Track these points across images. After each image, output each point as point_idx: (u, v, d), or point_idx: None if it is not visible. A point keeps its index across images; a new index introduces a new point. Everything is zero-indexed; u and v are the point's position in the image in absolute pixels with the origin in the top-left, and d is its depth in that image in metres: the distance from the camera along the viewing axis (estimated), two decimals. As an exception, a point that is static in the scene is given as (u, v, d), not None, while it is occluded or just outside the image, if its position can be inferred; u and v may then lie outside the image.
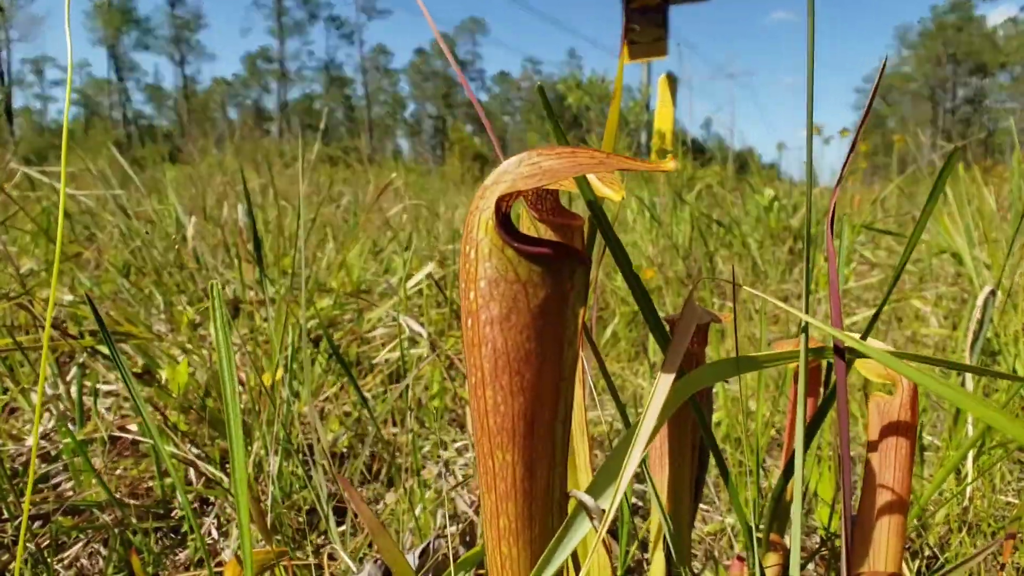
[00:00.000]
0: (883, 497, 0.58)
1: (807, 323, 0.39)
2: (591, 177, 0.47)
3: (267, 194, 5.20)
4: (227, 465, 1.25)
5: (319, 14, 69.47)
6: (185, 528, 1.14)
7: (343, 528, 1.18)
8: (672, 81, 10.13)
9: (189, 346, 1.88)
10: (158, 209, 2.89)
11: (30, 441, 1.47)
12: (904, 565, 0.89)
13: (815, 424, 0.59)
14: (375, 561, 0.66)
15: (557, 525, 0.39)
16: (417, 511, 1.01)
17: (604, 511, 0.37)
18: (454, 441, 1.25)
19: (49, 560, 0.96)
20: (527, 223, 0.56)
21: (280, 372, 1.45)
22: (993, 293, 1.22)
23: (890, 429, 0.59)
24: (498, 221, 0.34)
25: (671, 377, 0.39)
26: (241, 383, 1.52)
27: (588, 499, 0.37)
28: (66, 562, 1.07)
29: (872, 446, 0.60)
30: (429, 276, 1.95)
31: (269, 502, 1.01)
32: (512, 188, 0.33)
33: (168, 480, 1.23)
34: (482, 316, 0.35)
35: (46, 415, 1.56)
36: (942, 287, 2.45)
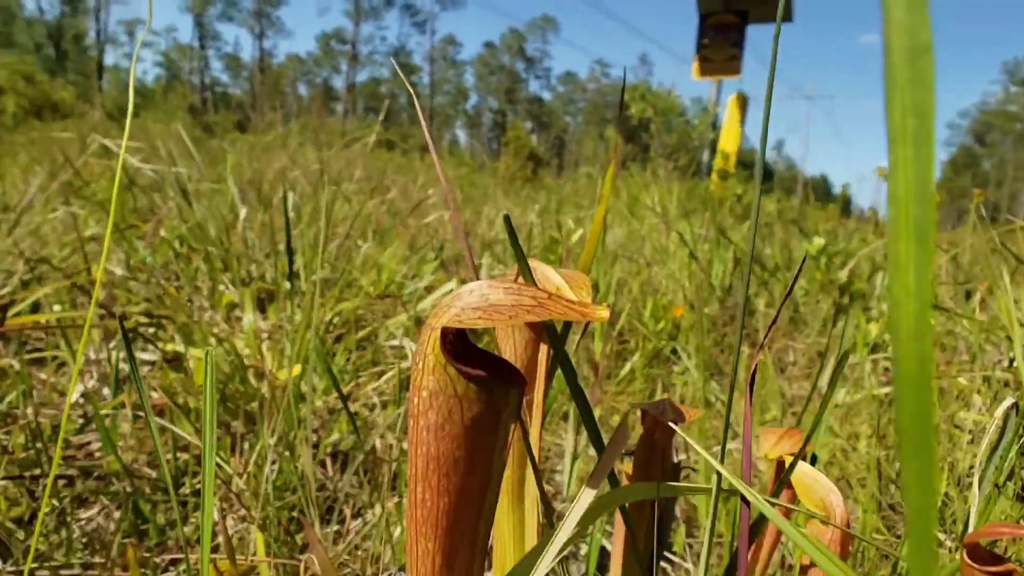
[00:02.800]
0: None
1: (719, 473, 0.42)
2: (556, 278, 0.51)
3: (321, 177, 5.34)
4: (234, 451, 1.33)
5: (395, 0, 70.38)
6: (191, 504, 1.22)
7: (337, 529, 1.25)
8: (743, 101, 9.99)
9: (225, 328, 1.99)
10: (215, 188, 3.02)
11: (74, 398, 1.58)
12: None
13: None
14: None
15: (474, 610, 0.44)
16: (396, 533, 1.07)
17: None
18: None
19: (69, 519, 1.05)
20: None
21: (298, 368, 1.53)
22: (1016, 407, 1.10)
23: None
24: (443, 342, 0.39)
25: (592, 493, 0.44)
26: (262, 374, 1.60)
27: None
28: (83, 521, 1.16)
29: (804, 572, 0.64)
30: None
31: (260, 502, 1.08)
32: (454, 322, 0.38)
33: (182, 457, 1.32)
34: (421, 421, 0.40)
35: (90, 383, 1.67)
36: (996, 370, 2.40)
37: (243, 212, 2.78)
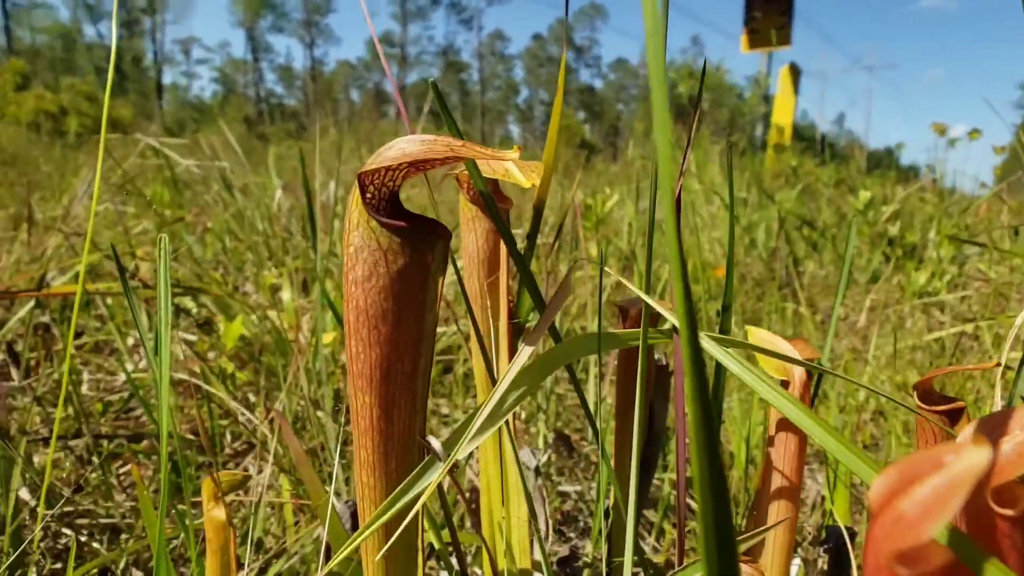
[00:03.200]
0: (776, 485, 0.60)
1: (644, 300, 0.42)
2: (509, 166, 0.52)
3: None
4: (269, 414, 1.38)
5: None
6: (230, 465, 1.27)
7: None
8: (795, 73, 9.69)
9: (262, 302, 2.05)
10: (259, 182, 3.11)
11: (122, 376, 1.67)
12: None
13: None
14: (346, 502, 0.74)
15: (416, 464, 0.45)
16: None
17: (449, 454, 0.42)
18: (467, 410, 1.32)
19: (109, 474, 1.11)
20: (464, 207, 0.62)
21: (331, 336, 1.57)
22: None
23: (783, 423, 0.61)
24: (364, 197, 0.41)
25: (529, 349, 0.44)
26: (303, 339, 1.65)
27: (436, 444, 0.43)
28: (125, 473, 1.23)
29: (770, 441, 0.62)
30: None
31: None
32: (373, 166, 0.39)
33: (221, 422, 1.37)
34: (349, 276, 0.42)
35: (136, 355, 1.76)
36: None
37: (285, 202, 2.86)
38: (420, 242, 0.41)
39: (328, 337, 1.52)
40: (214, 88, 71.82)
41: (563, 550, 1.22)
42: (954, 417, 0.50)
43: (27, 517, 1.05)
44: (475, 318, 0.57)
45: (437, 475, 0.42)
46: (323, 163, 6.37)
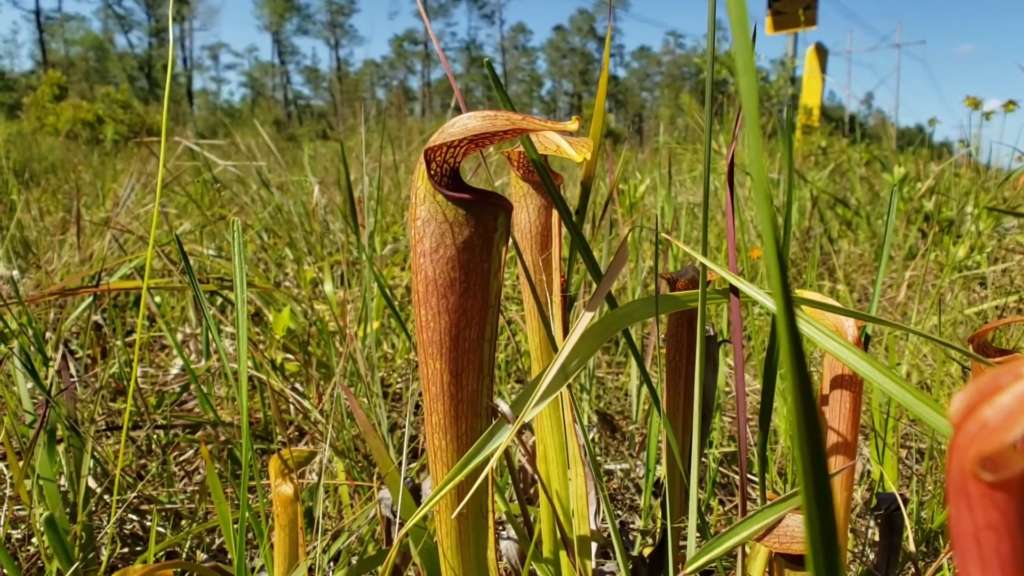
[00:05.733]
0: (832, 444, 0.61)
1: (704, 265, 0.43)
2: (560, 141, 0.53)
3: (399, 169, 5.49)
4: (321, 400, 1.42)
5: (462, -6, 70.99)
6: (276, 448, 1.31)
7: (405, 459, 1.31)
8: (822, 53, 9.54)
9: (303, 295, 2.10)
10: (295, 180, 3.17)
11: (173, 371, 1.72)
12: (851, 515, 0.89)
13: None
14: (406, 479, 0.76)
15: (484, 428, 0.47)
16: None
17: (517, 417, 0.44)
18: (512, 392, 1.34)
19: (169, 461, 1.15)
20: (515, 184, 0.64)
21: (377, 324, 1.61)
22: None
23: (837, 382, 0.61)
24: (429, 171, 0.42)
25: (589, 315, 0.45)
26: (336, 334, 1.68)
27: (505, 407, 0.45)
28: (183, 461, 1.27)
29: (824, 400, 0.63)
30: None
31: (339, 435, 1.15)
32: (438, 142, 0.41)
33: (271, 413, 1.41)
34: (418, 248, 0.43)
35: (186, 350, 1.81)
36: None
37: (321, 199, 2.91)
38: (484, 213, 0.43)
39: (376, 324, 1.55)
40: (243, 92, 72.87)
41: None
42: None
43: (94, 504, 1.09)
44: (533, 289, 0.58)
45: (506, 437, 0.44)
46: (354, 160, 6.43)
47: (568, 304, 0.61)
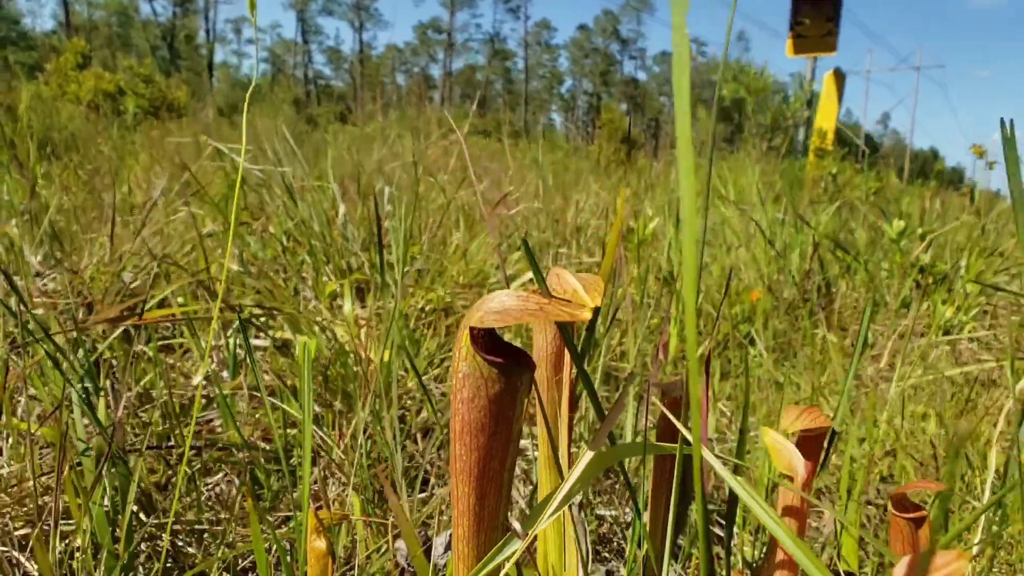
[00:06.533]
0: (779, 561, 0.71)
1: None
2: (576, 286, 0.63)
3: (416, 170, 5.57)
4: (339, 426, 1.52)
5: (490, -14, 70.78)
6: (299, 472, 1.41)
7: (422, 496, 1.41)
8: (840, 78, 9.58)
9: (328, 316, 2.20)
10: (317, 185, 3.27)
11: (195, 379, 1.83)
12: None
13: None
14: (420, 532, 0.86)
15: (500, 539, 0.57)
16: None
17: (526, 534, 0.54)
18: (522, 497, 1.43)
19: (198, 482, 1.25)
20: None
21: (388, 354, 1.71)
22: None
23: (786, 511, 0.71)
24: (472, 337, 0.52)
25: (591, 453, 0.55)
26: (360, 358, 1.79)
27: (517, 525, 0.55)
28: (211, 485, 1.38)
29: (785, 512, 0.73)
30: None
31: (355, 469, 1.25)
32: (480, 325, 0.51)
33: (291, 432, 1.52)
34: (457, 396, 0.53)
35: (211, 366, 1.91)
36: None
37: (342, 208, 3.02)
38: (512, 373, 0.52)
39: (387, 355, 1.65)
40: (264, 68, 72.90)
41: (600, 571, 1.34)
42: (919, 523, 0.60)
43: (134, 523, 1.20)
44: (543, 409, 0.68)
45: (518, 548, 0.54)
46: (370, 151, 6.49)
47: (573, 406, 0.71)
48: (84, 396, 1.05)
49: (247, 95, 0.98)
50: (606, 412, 0.61)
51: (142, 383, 1.64)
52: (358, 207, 3.57)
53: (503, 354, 0.54)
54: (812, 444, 0.84)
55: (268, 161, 4.27)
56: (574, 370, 0.70)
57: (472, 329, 0.53)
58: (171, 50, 56.78)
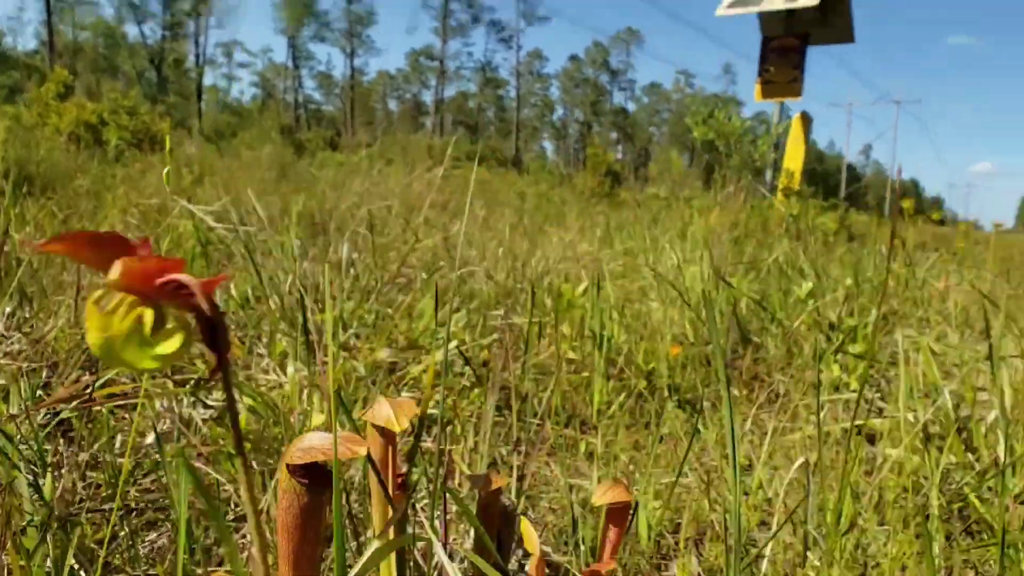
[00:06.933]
0: None
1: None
2: (390, 414, 0.86)
3: (400, 197, 5.77)
4: (265, 488, 1.73)
5: (482, 17, 71.71)
6: (231, 527, 1.62)
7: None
8: (806, 121, 9.97)
9: (274, 378, 2.42)
10: (279, 241, 3.49)
11: (148, 439, 2.03)
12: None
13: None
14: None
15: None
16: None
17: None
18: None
19: (139, 538, 1.46)
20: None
21: (321, 418, 1.93)
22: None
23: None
24: (288, 468, 0.75)
25: (376, 544, 0.77)
26: (291, 422, 2.00)
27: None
28: (150, 542, 1.59)
29: None
30: (457, 347, 2.37)
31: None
32: (291, 460, 0.73)
33: (229, 490, 1.73)
34: (280, 504, 0.75)
35: (164, 423, 2.12)
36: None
37: (302, 265, 3.25)
38: (318, 490, 0.75)
39: (318, 419, 1.87)
40: (253, 92, 73.36)
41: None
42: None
43: None
44: (375, 499, 0.91)
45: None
46: (352, 185, 6.64)
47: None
48: (31, 476, 1.26)
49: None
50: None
51: (98, 444, 1.85)
52: (325, 259, 3.80)
53: (313, 475, 0.76)
54: (619, 515, 1.06)
55: (244, 205, 4.49)
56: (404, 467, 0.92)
57: (291, 467, 0.76)
58: (159, 74, 56.88)
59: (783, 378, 2.99)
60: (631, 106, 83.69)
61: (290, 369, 2.35)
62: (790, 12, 9.10)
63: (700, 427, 2.46)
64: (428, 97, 77.73)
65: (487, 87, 77.19)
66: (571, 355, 2.80)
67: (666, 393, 2.69)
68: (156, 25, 58.33)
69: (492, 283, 3.89)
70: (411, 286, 3.70)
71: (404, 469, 0.94)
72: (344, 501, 0.76)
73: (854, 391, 2.56)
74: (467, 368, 2.58)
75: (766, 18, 9.45)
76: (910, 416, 2.08)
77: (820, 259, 5.02)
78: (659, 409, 2.66)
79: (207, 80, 65.84)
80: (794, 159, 9.82)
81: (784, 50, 9.41)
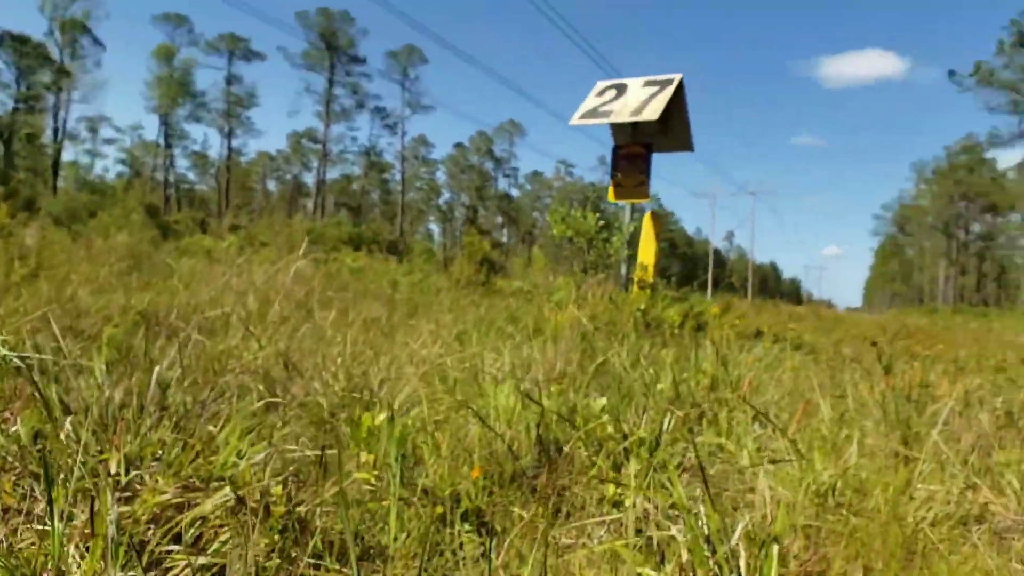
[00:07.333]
0: None
1: None
2: None
3: (261, 291, 5.59)
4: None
5: (367, 104, 72.34)
6: None
7: None
8: (657, 219, 10.74)
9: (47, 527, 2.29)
10: (86, 364, 3.35)
11: None
12: None
13: None
14: None
15: None
16: None
17: None
18: None
19: None
20: None
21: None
22: None
23: None
24: None
25: None
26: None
27: None
28: None
29: None
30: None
31: None
32: None
33: None
34: None
35: None
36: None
37: (108, 392, 3.12)
38: None
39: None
40: (120, 169, 69.91)
41: None
42: None
43: None
44: None
45: None
46: (209, 280, 6.41)
47: None
48: None
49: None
50: None
51: None
52: (134, 385, 3.65)
53: None
54: None
55: (79, 307, 4.26)
56: None
57: None
58: (8, 147, 52.11)
59: (580, 491, 3.13)
60: (515, 192, 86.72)
61: (55, 524, 2.24)
62: (635, 124, 9.94)
63: (492, 554, 2.53)
64: (310, 179, 77.04)
65: (371, 171, 77.63)
66: (373, 482, 2.81)
67: (460, 518, 2.75)
68: (7, 96, 53.78)
69: (329, 392, 3.82)
70: (245, 399, 3.59)
71: None
72: None
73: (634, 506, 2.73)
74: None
75: (615, 128, 10.29)
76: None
77: (663, 351, 5.28)
78: (453, 535, 2.70)
79: (67, 155, 62.07)
80: (647, 254, 10.52)
81: (631, 157, 10.23)
